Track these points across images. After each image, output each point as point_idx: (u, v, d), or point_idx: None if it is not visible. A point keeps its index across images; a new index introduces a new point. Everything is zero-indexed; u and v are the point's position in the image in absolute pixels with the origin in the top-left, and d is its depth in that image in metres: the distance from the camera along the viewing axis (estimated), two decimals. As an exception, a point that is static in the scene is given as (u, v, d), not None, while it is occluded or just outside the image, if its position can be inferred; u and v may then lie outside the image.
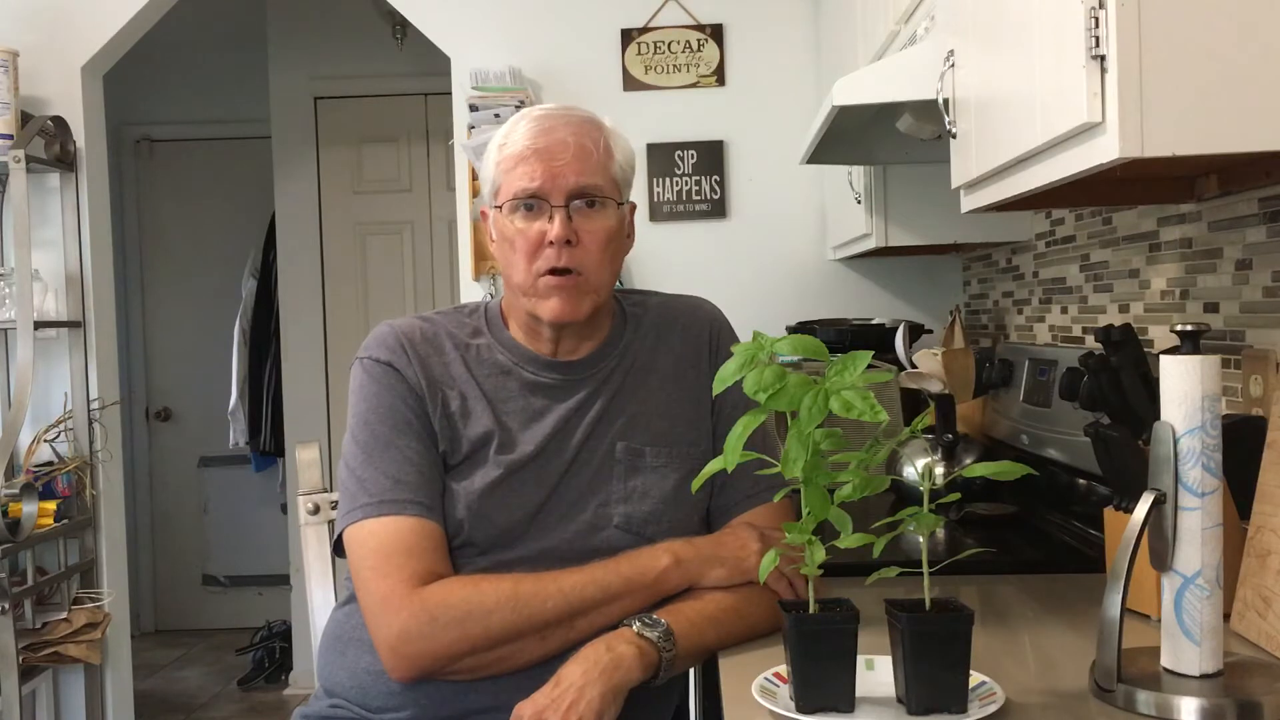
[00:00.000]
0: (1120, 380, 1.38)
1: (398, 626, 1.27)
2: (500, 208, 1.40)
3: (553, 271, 1.36)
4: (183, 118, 5.23)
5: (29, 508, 2.83)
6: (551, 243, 1.35)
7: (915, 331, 2.79)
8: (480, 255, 3.25)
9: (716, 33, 3.31)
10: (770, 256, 3.29)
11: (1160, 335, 1.81)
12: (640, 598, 1.31)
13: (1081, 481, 1.81)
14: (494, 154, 1.41)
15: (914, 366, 2.49)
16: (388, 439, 1.37)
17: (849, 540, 1.11)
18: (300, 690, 4.37)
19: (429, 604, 1.27)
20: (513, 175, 1.38)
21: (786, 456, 1.09)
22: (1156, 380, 1.10)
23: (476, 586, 1.29)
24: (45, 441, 3.12)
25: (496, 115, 3.08)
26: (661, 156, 3.29)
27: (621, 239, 1.43)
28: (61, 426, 3.15)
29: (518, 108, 3.00)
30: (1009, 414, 2.11)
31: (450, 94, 3.32)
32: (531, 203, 1.37)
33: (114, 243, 3.49)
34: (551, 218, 1.36)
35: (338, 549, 1.41)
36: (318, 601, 1.68)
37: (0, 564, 2.72)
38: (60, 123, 3.16)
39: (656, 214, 3.29)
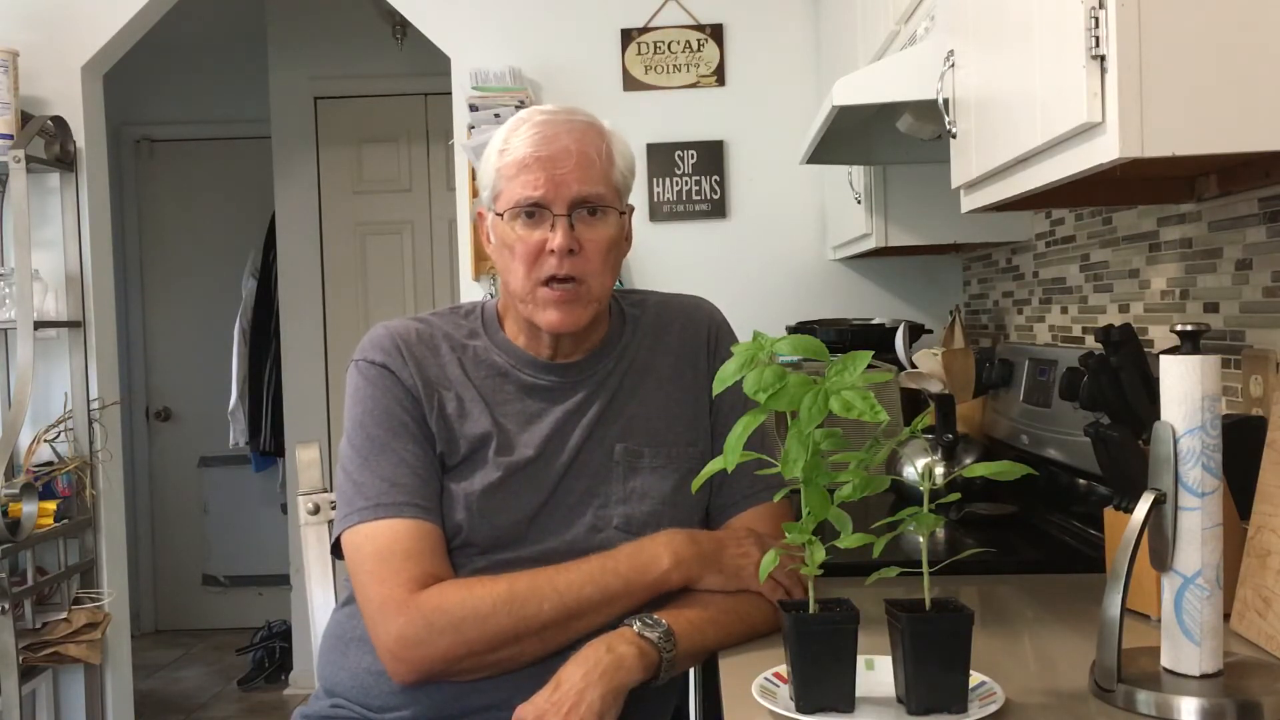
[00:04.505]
0: (1120, 380, 1.38)
1: (395, 631, 1.27)
2: (501, 214, 1.39)
3: (553, 280, 1.36)
4: (183, 118, 5.23)
5: (29, 508, 2.83)
6: (553, 251, 1.34)
7: (915, 331, 2.79)
8: (480, 255, 3.25)
9: (716, 33, 3.30)
10: (770, 256, 3.29)
11: (1160, 335, 1.81)
12: (639, 598, 1.30)
13: (1081, 481, 1.81)
14: (494, 158, 1.40)
15: (914, 366, 2.49)
16: (383, 442, 1.36)
17: (849, 540, 1.11)
18: (300, 690, 4.37)
19: (425, 609, 1.27)
20: (515, 182, 1.36)
21: (786, 456, 1.09)
22: (1156, 380, 1.10)
23: (471, 590, 1.28)
24: (45, 441, 3.12)
25: (496, 115, 3.07)
26: (661, 156, 3.29)
27: (621, 244, 1.43)
28: (61, 426, 3.15)
29: (518, 108, 2.99)
30: (1009, 414, 2.11)
31: (450, 94, 3.32)
32: (533, 210, 1.36)
33: (114, 243, 3.50)
34: (554, 226, 1.35)
35: (336, 552, 1.41)
36: (318, 602, 1.68)
37: (0, 564, 2.72)
38: (60, 123, 3.16)
39: (656, 214, 3.29)
